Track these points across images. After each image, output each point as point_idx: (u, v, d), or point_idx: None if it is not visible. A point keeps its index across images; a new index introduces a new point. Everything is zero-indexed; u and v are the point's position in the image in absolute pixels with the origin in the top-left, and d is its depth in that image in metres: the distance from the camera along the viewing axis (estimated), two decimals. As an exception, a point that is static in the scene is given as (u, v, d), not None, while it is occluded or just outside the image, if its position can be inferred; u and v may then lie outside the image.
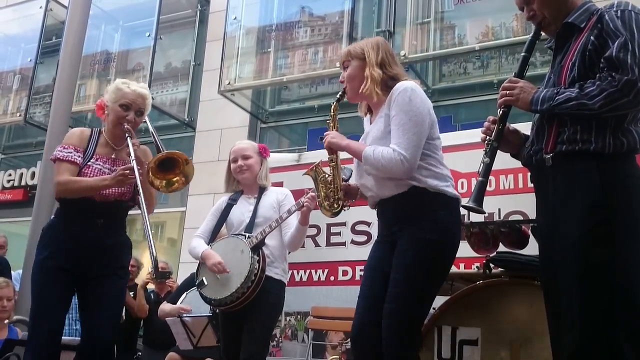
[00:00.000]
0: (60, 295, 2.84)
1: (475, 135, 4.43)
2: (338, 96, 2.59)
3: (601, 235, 1.84)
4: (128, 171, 2.75)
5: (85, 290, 2.91)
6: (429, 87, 7.01)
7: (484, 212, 2.17)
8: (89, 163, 2.93)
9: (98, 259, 2.88)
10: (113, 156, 3.01)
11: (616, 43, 1.86)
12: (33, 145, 9.54)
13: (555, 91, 1.96)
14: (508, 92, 2.11)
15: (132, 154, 2.82)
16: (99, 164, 2.95)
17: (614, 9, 1.95)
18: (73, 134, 3.05)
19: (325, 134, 2.57)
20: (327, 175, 2.57)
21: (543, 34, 2.22)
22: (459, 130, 6.17)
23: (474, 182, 4.17)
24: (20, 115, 9.02)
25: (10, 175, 9.41)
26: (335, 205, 2.54)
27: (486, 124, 2.22)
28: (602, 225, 1.85)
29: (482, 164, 2.13)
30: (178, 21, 8.87)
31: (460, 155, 4.19)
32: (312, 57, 7.27)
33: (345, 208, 2.57)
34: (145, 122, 3.12)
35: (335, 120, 2.61)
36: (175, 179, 2.84)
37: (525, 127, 2.34)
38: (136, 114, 2.99)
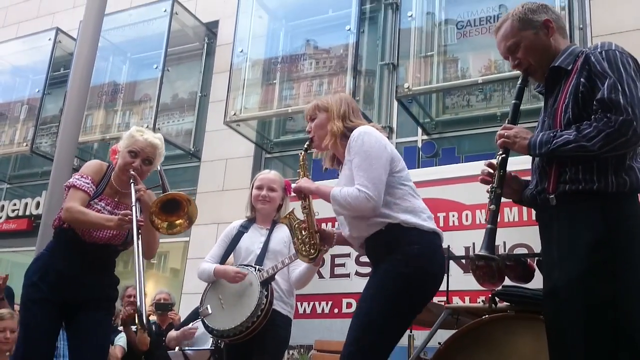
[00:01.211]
0: (47, 325, 2.85)
1: (478, 167, 4.45)
2: (305, 146, 2.66)
3: (604, 273, 1.86)
4: (127, 217, 2.77)
5: (72, 321, 2.93)
6: (433, 119, 7.05)
7: (496, 259, 2.19)
8: (93, 201, 2.96)
9: (81, 293, 2.90)
10: (117, 199, 3.04)
11: (606, 84, 1.91)
12: (39, 175, 9.59)
13: (552, 134, 2.00)
14: (504, 137, 2.15)
15: (134, 200, 2.85)
16: (101, 205, 2.98)
17: (599, 49, 2.00)
18: (93, 165, 3.09)
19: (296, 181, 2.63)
20: (301, 222, 2.60)
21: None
22: (462, 162, 6.19)
23: (478, 213, 4.21)
24: (26, 145, 9.10)
25: (15, 204, 9.44)
26: (312, 251, 2.57)
27: (484, 169, 2.24)
28: (605, 263, 1.86)
29: (489, 211, 2.15)
30: (185, 53, 9.00)
31: (463, 187, 4.20)
32: (316, 89, 7.34)
33: (322, 252, 2.61)
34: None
35: (305, 169, 2.66)
36: (178, 222, 2.88)
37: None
38: (143, 162, 3.03)
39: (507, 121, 2.22)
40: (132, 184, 2.92)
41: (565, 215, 1.98)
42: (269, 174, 3.50)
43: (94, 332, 2.92)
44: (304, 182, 2.58)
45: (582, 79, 1.99)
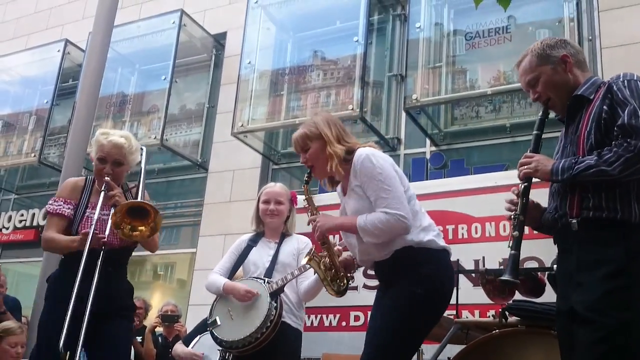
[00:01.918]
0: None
1: (487, 179, 4.44)
2: (306, 178, 2.63)
3: (621, 300, 1.90)
4: (95, 232, 2.77)
5: (93, 333, 2.88)
6: (441, 130, 7.03)
7: (518, 283, 2.29)
8: (86, 214, 2.97)
9: (102, 305, 2.86)
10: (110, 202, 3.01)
11: (626, 111, 1.98)
12: (46, 186, 9.62)
13: (574, 160, 2.06)
14: (526, 166, 2.21)
15: (99, 207, 2.88)
16: (97, 213, 2.94)
17: (621, 79, 2.08)
18: (65, 186, 3.11)
19: (310, 220, 2.57)
20: (326, 260, 2.59)
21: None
22: (471, 174, 6.13)
23: (487, 226, 4.17)
24: (34, 156, 9.14)
25: (22, 215, 9.46)
26: (342, 285, 2.60)
27: (510, 198, 2.29)
28: (622, 290, 1.91)
29: (512, 239, 2.19)
30: (193, 65, 9.03)
31: (472, 200, 4.16)
32: (324, 100, 7.34)
33: (351, 282, 2.65)
34: (140, 167, 3.16)
35: (312, 203, 2.63)
36: (140, 227, 2.84)
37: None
38: (114, 165, 3.01)
39: (528, 151, 2.28)
40: (103, 193, 2.92)
41: (586, 241, 2.03)
42: (274, 187, 3.48)
43: (118, 343, 2.93)
44: (324, 221, 2.51)
45: (604, 107, 2.06)
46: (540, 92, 2.27)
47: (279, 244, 3.38)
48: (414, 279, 2.33)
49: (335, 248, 2.69)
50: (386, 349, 2.28)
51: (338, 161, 2.47)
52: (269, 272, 3.25)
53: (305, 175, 2.63)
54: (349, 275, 2.62)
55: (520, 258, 3.76)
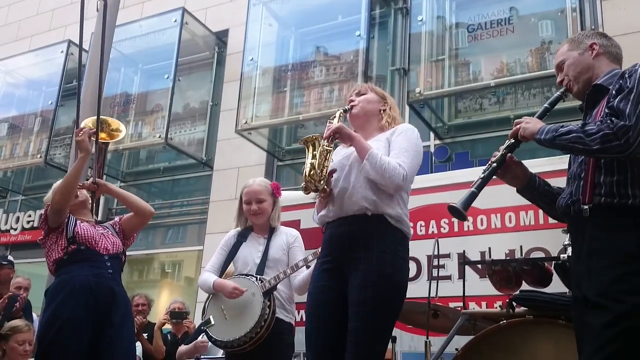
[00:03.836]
0: (78, 343, 2.91)
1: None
2: (347, 107, 2.68)
3: (631, 285, 1.90)
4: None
5: (102, 335, 2.94)
6: (445, 123, 7.02)
7: (466, 219, 2.43)
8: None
9: (110, 304, 3.02)
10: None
11: (621, 94, 2.01)
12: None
13: (561, 125, 2.09)
14: (519, 124, 2.26)
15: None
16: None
17: (636, 67, 2.10)
18: None
19: (336, 117, 2.61)
20: (324, 152, 2.50)
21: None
22: (476, 166, 6.13)
23: (493, 218, 4.16)
24: (40, 157, 9.18)
25: (30, 216, 9.51)
26: (321, 182, 2.45)
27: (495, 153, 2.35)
28: (633, 275, 1.91)
29: (478, 179, 2.25)
30: (196, 63, 9.04)
31: (478, 192, 4.15)
32: (327, 96, 7.34)
33: (320, 194, 2.50)
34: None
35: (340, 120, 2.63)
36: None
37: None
38: None
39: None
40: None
41: (599, 227, 2.03)
42: (252, 186, 3.40)
43: (124, 347, 3.06)
44: (343, 126, 2.53)
45: (613, 92, 2.08)
46: (563, 75, 2.32)
47: (269, 239, 3.35)
48: (388, 259, 2.38)
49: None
50: (383, 340, 2.39)
51: (380, 118, 2.66)
52: (260, 269, 3.23)
53: (347, 106, 2.69)
54: (327, 187, 2.49)
55: (527, 248, 3.80)
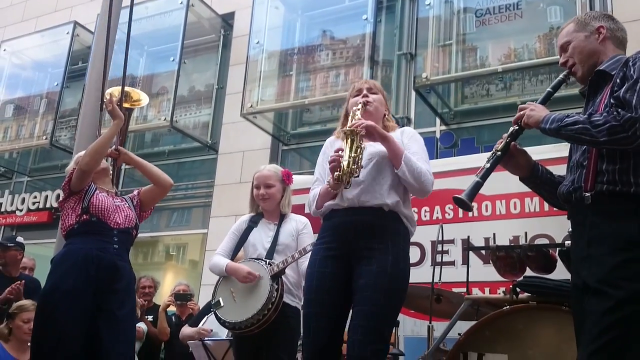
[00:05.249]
0: (74, 316, 2.94)
1: (499, 157, 4.41)
2: (364, 102, 2.67)
3: (631, 271, 1.90)
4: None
5: (103, 313, 2.98)
6: (451, 109, 6.98)
7: (471, 209, 2.45)
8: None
9: (111, 279, 3.05)
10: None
11: (626, 84, 1.99)
12: (58, 168, 9.69)
13: (566, 115, 2.08)
14: (523, 110, 2.25)
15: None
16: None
17: (639, 54, 2.07)
18: None
19: (364, 103, 2.64)
20: (361, 149, 2.45)
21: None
22: (482, 152, 6.11)
23: (497, 204, 4.16)
24: (46, 139, 9.20)
25: (35, 197, 9.55)
26: (354, 174, 2.41)
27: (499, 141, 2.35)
28: (633, 262, 1.91)
29: (483, 169, 2.25)
30: (202, 46, 9.00)
31: (483, 178, 4.14)
32: (333, 80, 7.31)
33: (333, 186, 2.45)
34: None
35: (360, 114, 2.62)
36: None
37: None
38: None
39: (537, 102, 2.31)
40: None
41: (600, 214, 2.03)
42: (263, 171, 3.46)
43: (125, 325, 3.09)
44: (374, 124, 2.51)
45: (617, 80, 2.06)
46: (567, 57, 2.29)
47: (279, 225, 3.38)
48: (401, 256, 2.47)
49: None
50: (390, 323, 2.49)
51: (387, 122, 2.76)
52: (269, 254, 3.27)
53: (362, 103, 2.67)
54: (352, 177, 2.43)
55: (531, 235, 3.80)
